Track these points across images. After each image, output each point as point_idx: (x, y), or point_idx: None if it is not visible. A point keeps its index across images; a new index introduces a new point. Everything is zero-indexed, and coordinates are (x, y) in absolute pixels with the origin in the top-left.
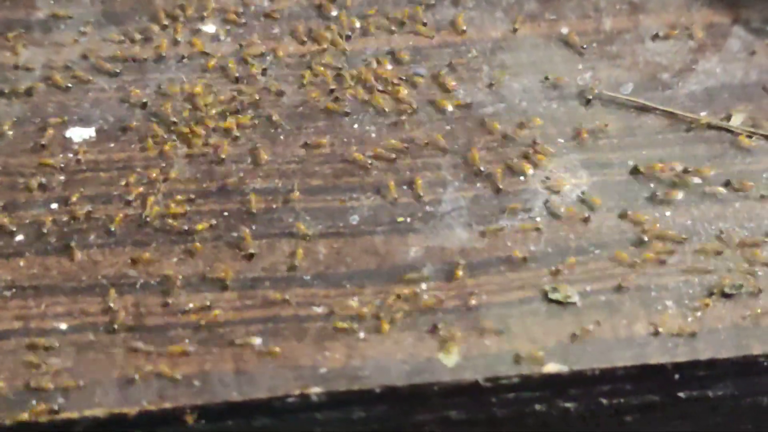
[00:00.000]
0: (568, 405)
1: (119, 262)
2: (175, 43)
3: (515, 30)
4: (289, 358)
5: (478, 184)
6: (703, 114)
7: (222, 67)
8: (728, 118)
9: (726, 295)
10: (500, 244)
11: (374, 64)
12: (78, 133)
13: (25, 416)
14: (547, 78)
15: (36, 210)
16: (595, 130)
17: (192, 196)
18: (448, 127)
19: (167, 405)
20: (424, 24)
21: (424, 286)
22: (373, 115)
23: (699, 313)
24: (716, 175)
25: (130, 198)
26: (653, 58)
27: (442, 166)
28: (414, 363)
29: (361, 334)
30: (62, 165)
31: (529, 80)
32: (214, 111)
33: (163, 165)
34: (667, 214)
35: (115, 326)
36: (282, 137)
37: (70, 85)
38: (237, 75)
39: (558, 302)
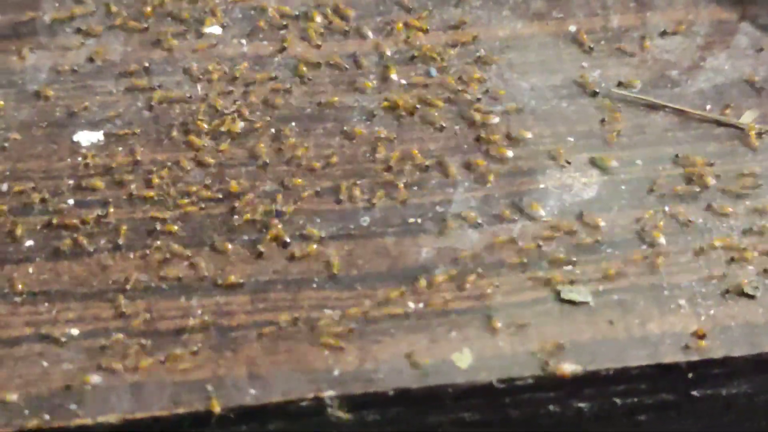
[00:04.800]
0: (582, 405)
1: (130, 266)
2: (182, 45)
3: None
4: (302, 361)
5: (488, 185)
6: (712, 111)
7: (229, 69)
8: (738, 115)
9: (739, 293)
10: (512, 244)
11: (383, 65)
12: (86, 137)
13: (36, 423)
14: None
15: (45, 215)
16: (604, 128)
17: (201, 199)
18: (457, 127)
19: (181, 410)
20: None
21: (436, 287)
22: (382, 115)
23: (712, 312)
24: (727, 173)
25: (140, 202)
26: (662, 56)
27: (452, 166)
28: (428, 365)
29: (374, 337)
30: (70, 169)
31: (538, 79)
32: (222, 113)
33: (173, 168)
34: (678, 211)
35: (128, 331)
36: (291, 139)
37: (77, 88)
38: (244, 77)
39: (571, 302)
